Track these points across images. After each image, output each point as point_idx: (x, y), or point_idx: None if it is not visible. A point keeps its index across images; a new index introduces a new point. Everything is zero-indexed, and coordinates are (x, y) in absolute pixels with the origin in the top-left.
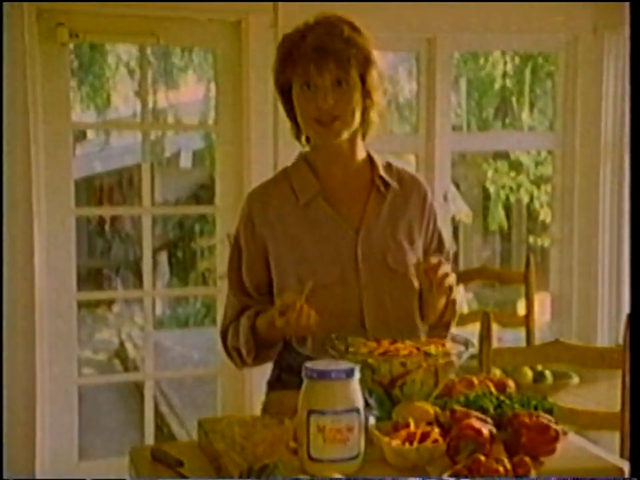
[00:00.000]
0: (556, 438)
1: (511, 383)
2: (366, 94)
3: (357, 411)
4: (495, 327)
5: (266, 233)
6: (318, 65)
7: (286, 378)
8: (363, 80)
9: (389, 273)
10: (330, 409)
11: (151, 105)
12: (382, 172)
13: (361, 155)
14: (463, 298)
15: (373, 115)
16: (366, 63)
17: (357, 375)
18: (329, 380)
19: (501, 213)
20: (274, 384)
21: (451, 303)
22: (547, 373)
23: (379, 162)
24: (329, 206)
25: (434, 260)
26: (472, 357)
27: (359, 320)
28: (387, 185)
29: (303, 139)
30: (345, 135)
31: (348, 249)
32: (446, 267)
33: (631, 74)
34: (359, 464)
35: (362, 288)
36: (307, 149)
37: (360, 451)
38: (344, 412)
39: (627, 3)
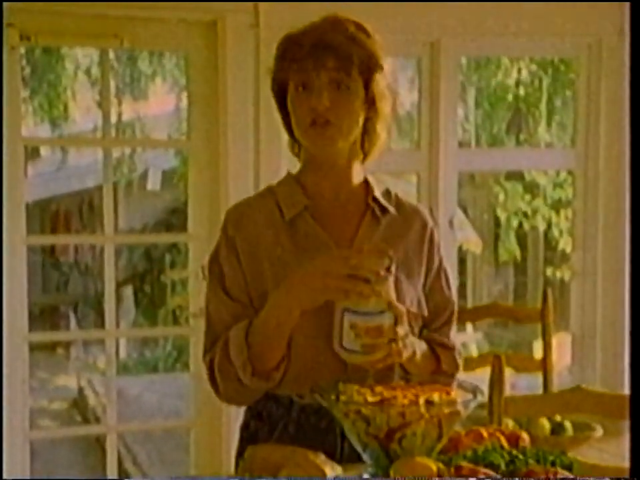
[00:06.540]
0: None
1: (525, 436)
2: (369, 102)
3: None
4: (507, 371)
5: (247, 250)
6: (315, 60)
7: (254, 425)
8: (367, 85)
9: None
10: (362, 310)
11: (114, 117)
12: (378, 195)
13: (357, 178)
14: (471, 339)
15: (379, 128)
16: (371, 65)
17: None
18: None
19: (515, 241)
20: (243, 431)
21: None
22: (567, 424)
23: (376, 186)
24: (316, 224)
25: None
26: (481, 406)
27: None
28: (383, 209)
29: (297, 150)
30: (340, 144)
31: None
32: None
33: (631, 76)
34: (387, 351)
35: None
36: (295, 169)
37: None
38: (374, 314)
39: None
